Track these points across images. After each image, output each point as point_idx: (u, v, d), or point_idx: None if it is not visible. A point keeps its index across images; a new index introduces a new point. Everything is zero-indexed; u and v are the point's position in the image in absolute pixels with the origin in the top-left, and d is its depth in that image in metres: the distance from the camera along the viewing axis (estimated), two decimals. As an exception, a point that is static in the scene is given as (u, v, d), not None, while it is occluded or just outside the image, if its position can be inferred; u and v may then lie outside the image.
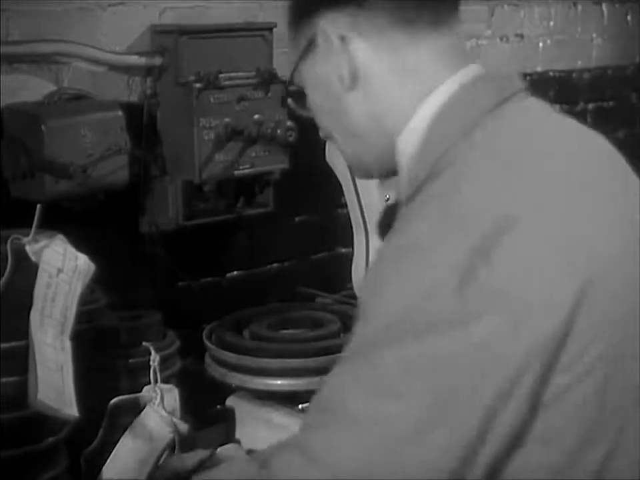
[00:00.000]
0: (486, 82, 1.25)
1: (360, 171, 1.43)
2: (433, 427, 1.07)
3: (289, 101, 1.40)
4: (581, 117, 3.65)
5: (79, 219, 2.13)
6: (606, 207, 1.20)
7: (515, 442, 1.10)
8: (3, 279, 1.74)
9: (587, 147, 1.28)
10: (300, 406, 2.24)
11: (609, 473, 1.16)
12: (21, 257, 1.75)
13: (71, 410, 1.73)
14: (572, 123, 1.32)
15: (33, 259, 1.76)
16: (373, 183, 1.30)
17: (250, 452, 2.15)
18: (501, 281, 1.08)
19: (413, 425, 1.07)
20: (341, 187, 2.54)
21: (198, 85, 2.31)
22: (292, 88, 1.41)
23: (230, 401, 2.35)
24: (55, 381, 1.73)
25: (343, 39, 1.27)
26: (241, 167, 2.40)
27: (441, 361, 1.08)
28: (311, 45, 1.30)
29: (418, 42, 1.26)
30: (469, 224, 1.10)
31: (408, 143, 1.26)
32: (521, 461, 1.12)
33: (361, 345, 1.14)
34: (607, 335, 1.14)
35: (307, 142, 2.39)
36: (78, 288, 1.76)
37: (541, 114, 1.30)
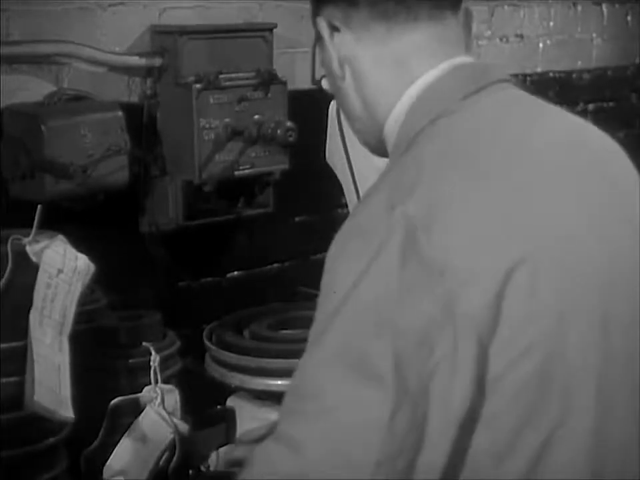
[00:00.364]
0: (462, 72, 1.31)
1: (368, 149, 1.49)
2: (398, 409, 1.09)
3: (322, 82, 1.44)
4: (581, 117, 3.65)
5: (79, 219, 2.13)
6: (562, 192, 1.23)
7: (470, 426, 1.12)
8: (3, 279, 1.74)
9: (565, 136, 1.32)
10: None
11: (550, 456, 1.17)
12: (21, 257, 1.75)
13: (67, 412, 1.73)
14: (556, 113, 1.37)
15: (34, 259, 1.75)
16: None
17: (250, 452, 2.15)
18: (439, 250, 1.12)
19: (388, 410, 1.09)
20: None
21: (198, 86, 2.31)
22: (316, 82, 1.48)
23: (230, 401, 2.35)
24: (51, 382, 1.73)
25: (337, 31, 1.34)
26: (241, 167, 2.40)
27: (390, 334, 1.10)
28: (318, 37, 1.38)
29: (399, 35, 1.32)
30: (411, 198, 1.15)
31: (391, 128, 1.33)
32: (471, 446, 1.13)
33: (321, 324, 1.16)
34: (545, 320, 1.15)
35: (307, 142, 2.40)
36: (77, 288, 1.76)
37: (516, 103, 1.33)
